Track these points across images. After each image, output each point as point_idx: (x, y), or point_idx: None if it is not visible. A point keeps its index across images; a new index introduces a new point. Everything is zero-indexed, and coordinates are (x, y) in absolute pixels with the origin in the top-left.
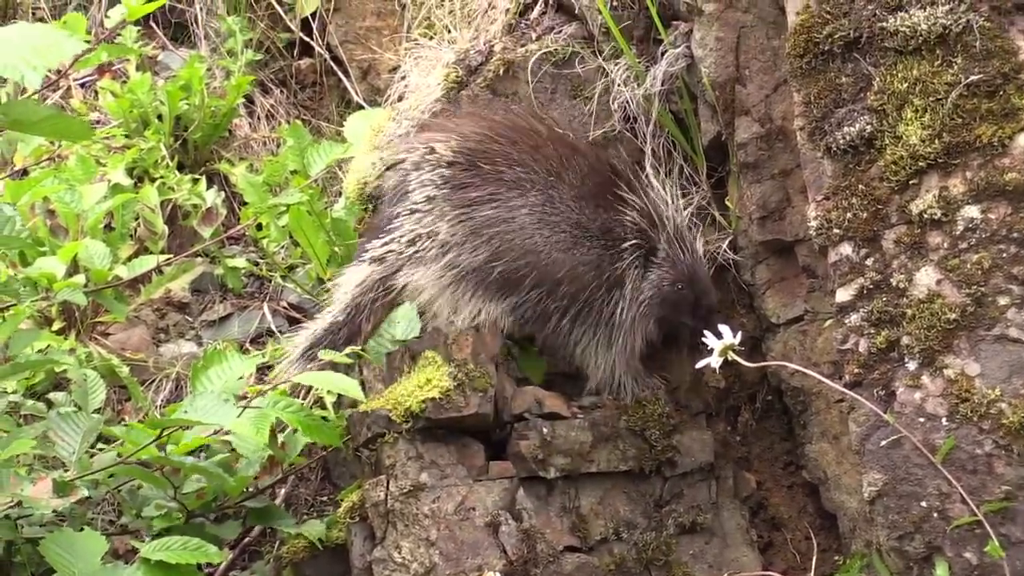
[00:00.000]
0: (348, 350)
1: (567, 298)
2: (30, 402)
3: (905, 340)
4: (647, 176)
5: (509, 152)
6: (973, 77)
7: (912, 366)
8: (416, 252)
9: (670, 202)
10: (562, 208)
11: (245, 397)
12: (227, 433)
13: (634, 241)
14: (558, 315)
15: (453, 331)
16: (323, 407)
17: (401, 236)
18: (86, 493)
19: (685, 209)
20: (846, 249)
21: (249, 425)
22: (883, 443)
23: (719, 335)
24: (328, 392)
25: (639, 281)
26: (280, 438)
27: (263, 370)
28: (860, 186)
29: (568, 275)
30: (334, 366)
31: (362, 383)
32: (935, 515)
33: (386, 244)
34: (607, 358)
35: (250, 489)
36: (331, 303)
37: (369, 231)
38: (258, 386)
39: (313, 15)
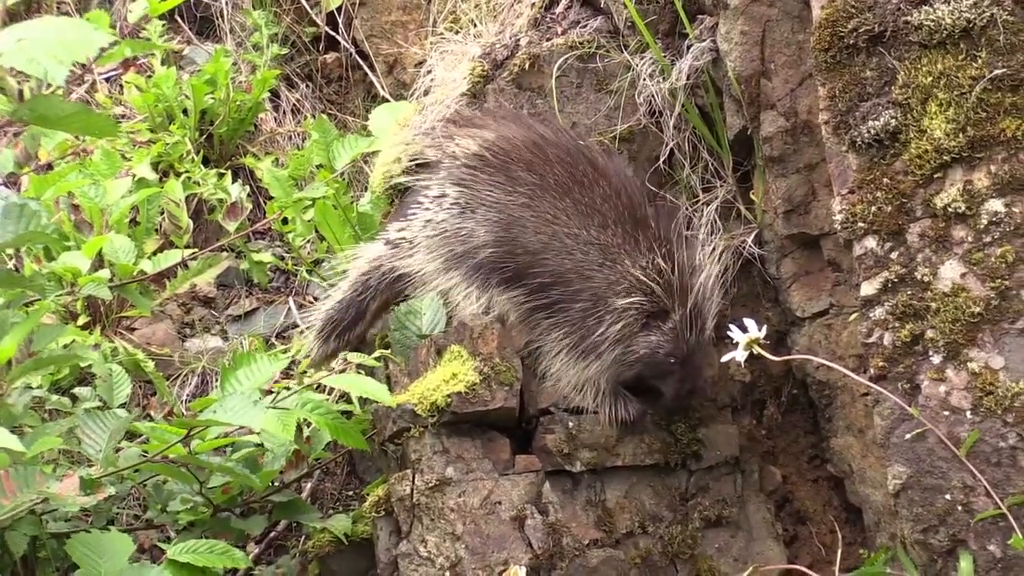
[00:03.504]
0: (377, 353)
1: (553, 302)
2: (55, 397)
3: (929, 333)
4: (687, 234)
5: (531, 159)
6: (997, 71)
7: (936, 359)
8: (424, 240)
9: (704, 269)
10: (564, 220)
11: (270, 392)
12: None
13: (643, 298)
14: (542, 314)
15: (478, 325)
16: (348, 400)
17: (415, 223)
18: (113, 491)
19: (716, 272)
20: (871, 243)
21: (276, 423)
22: (908, 436)
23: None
24: None
25: (635, 332)
26: (305, 432)
27: (293, 363)
28: (885, 180)
29: (561, 279)
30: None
31: (387, 377)
32: (959, 508)
33: (401, 230)
34: (576, 375)
35: (276, 483)
36: (343, 278)
37: (393, 215)
38: (285, 383)
39: (339, 9)
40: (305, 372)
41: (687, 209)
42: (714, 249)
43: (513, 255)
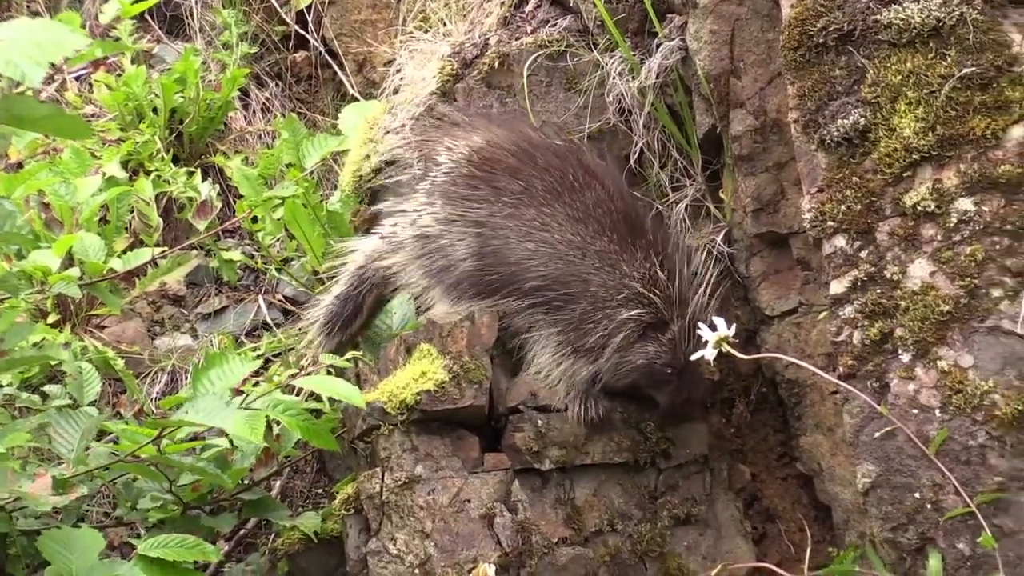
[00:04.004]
0: (349, 355)
1: (549, 300)
2: (25, 395)
3: (899, 332)
4: (684, 242)
5: (517, 166)
6: (966, 70)
7: (906, 358)
8: (410, 241)
9: (702, 284)
10: (556, 227)
11: (241, 392)
12: (223, 434)
13: (642, 310)
14: (540, 311)
15: (448, 323)
16: (319, 398)
17: (404, 221)
18: (84, 491)
19: (714, 288)
20: (840, 241)
21: (245, 426)
22: (877, 435)
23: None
24: None
25: (632, 342)
26: (275, 430)
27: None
28: (854, 178)
29: (556, 282)
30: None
31: (357, 375)
32: (928, 506)
33: (394, 225)
34: (562, 372)
35: (245, 481)
36: (341, 272)
37: (388, 208)
38: (256, 385)
39: (308, 8)
40: (277, 372)
41: (658, 208)
42: (699, 261)
43: (493, 268)
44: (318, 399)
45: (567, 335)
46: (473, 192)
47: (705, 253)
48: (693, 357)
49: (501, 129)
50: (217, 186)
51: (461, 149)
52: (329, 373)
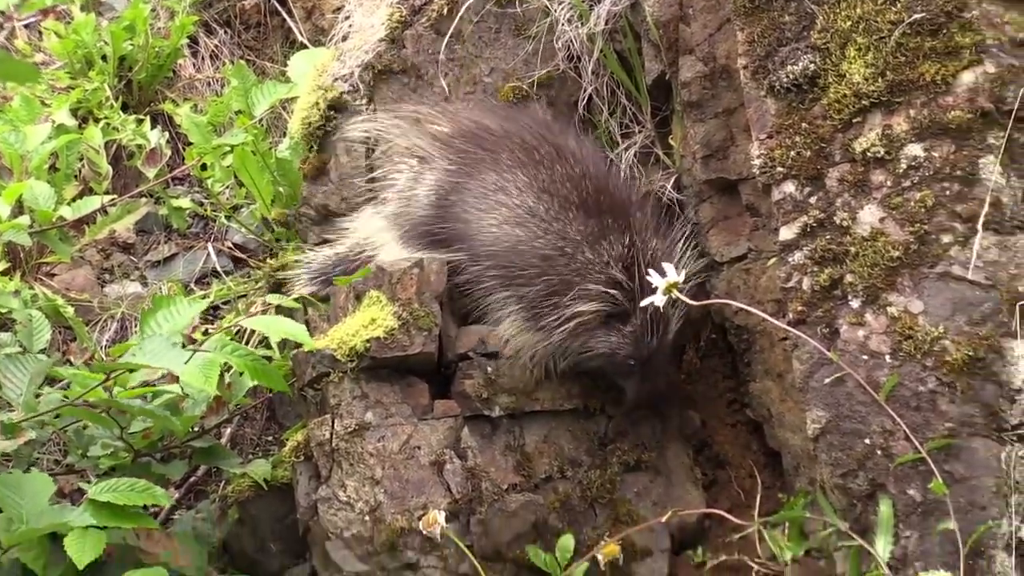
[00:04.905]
0: (295, 294)
1: (507, 268)
2: None
3: (848, 278)
4: (671, 235)
5: (484, 137)
6: (916, 15)
7: (855, 304)
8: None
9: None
10: (514, 192)
11: (192, 340)
12: (176, 379)
13: (603, 302)
14: (496, 282)
15: (397, 270)
16: (268, 346)
17: (394, 190)
18: (33, 435)
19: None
20: (789, 187)
21: (197, 373)
22: (826, 381)
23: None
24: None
25: (593, 329)
26: (227, 378)
27: (212, 310)
28: (803, 124)
29: (513, 251)
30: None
31: (307, 323)
32: (879, 452)
33: (388, 199)
34: (525, 341)
35: (196, 429)
36: (343, 237)
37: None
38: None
39: None
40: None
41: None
42: (685, 242)
43: (446, 220)
44: (268, 346)
45: (527, 311)
46: (447, 155)
47: (683, 235)
48: (643, 303)
49: (483, 113)
50: (166, 134)
51: (445, 130)
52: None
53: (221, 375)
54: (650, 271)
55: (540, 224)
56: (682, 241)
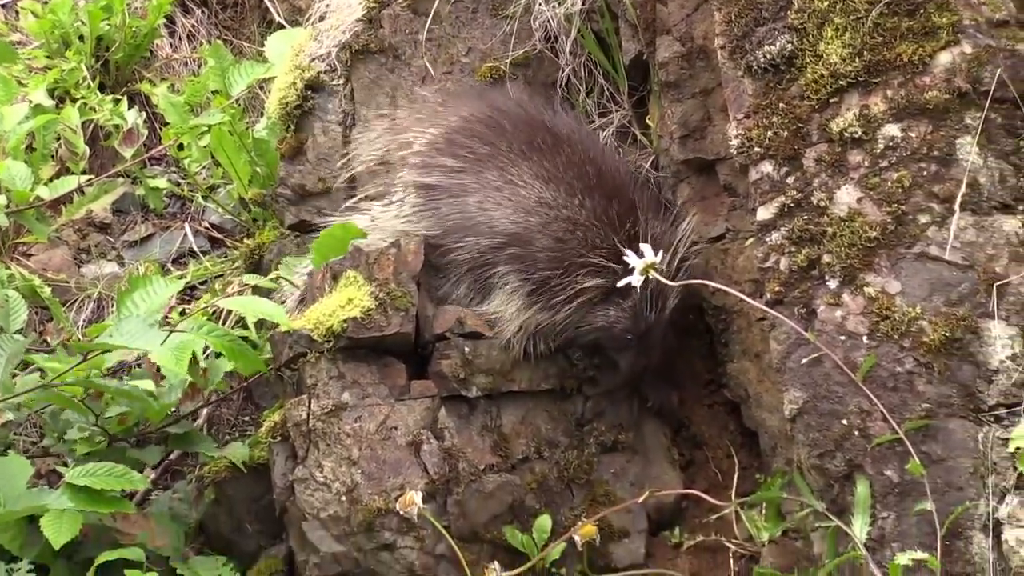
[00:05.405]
0: (272, 275)
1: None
2: None
3: (826, 258)
4: (664, 211)
5: (482, 132)
6: None
7: (833, 284)
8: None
9: (671, 249)
10: (521, 184)
11: (168, 320)
12: (156, 368)
13: (605, 280)
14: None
15: (374, 250)
16: (245, 327)
17: (388, 214)
18: (10, 416)
19: (683, 253)
20: (767, 167)
21: (169, 356)
22: (804, 361)
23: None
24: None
25: (594, 303)
26: (202, 364)
27: (189, 290)
28: (781, 105)
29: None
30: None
31: (283, 303)
32: (856, 433)
33: (375, 214)
34: (524, 318)
35: (172, 413)
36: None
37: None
38: (183, 315)
39: None
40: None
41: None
42: (687, 226)
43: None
44: (245, 327)
45: (531, 288)
46: (441, 164)
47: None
48: (620, 284)
49: (475, 103)
50: (143, 114)
51: (432, 131)
52: None
53: (196, 361)
54: (641, 247)
55: (549, 211)
56: (684, 223)
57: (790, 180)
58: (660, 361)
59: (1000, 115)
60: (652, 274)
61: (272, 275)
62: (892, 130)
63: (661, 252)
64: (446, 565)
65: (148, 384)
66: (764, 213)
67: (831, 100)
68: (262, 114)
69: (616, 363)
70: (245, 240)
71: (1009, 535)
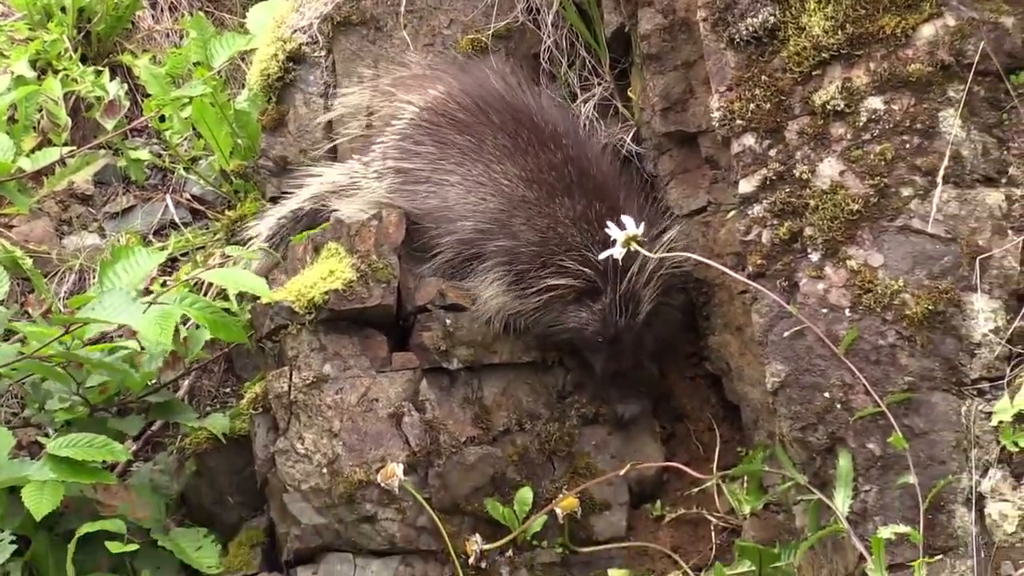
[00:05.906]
0: (256, 245)
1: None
2: None
3: (808, 231)
4: (648, 211)
5: (468, 122)
6: None
7: (815, 257)
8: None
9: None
10: (504, 183)
11: (149, 291)
12: (134, 334)
13: (576, 279)
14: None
15: (356, 222)
16: (226, 298)
17: (368, 159)
18: None
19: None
20: (749, 140)
21: (153, 325)
22: (786, 334)
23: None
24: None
25: (566, 303)
26: (183, 333)
27: (171, 262)
28: (763, 77)
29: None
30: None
31: (265, 275)
32: (838, 406)
33: (362, 162)
34: (503, 302)
35: (152, 383)
36: (301, 188)
37: (360, 147)
38: (165, 286)
39: None
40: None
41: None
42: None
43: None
44: (226, 298)
45: (510, 278)
46: (420, 147)
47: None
48: (601, 256)
49: (464, 77)
50: (125, 85)
51: (416, 104)
52: None
53: (177, 330)
54: (623, 219)
55: (528, 209)
56: (671, 231)
57: (772, 153)
58: (635, 365)
59: (983, 88)
60: (634, 246)
61: (254, 247)
62: (875, 103)
63: (642, 225)
64: (427, 537)
65: (133, 344)
66: (746, 186)
67: (814, 73)
68: (244, 86)
69: (590, 364)
70: (227, 212)
71: (992, 509)
